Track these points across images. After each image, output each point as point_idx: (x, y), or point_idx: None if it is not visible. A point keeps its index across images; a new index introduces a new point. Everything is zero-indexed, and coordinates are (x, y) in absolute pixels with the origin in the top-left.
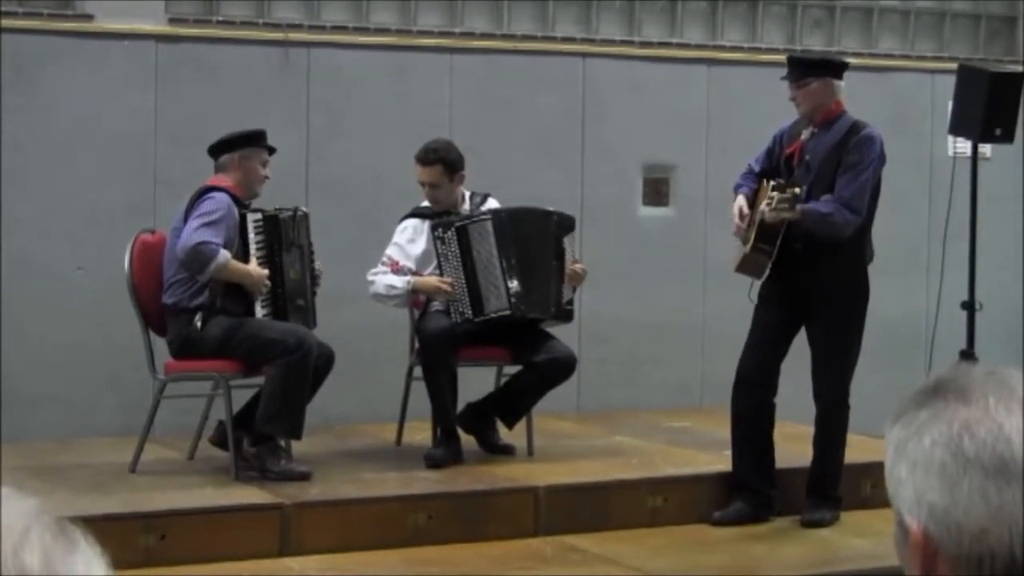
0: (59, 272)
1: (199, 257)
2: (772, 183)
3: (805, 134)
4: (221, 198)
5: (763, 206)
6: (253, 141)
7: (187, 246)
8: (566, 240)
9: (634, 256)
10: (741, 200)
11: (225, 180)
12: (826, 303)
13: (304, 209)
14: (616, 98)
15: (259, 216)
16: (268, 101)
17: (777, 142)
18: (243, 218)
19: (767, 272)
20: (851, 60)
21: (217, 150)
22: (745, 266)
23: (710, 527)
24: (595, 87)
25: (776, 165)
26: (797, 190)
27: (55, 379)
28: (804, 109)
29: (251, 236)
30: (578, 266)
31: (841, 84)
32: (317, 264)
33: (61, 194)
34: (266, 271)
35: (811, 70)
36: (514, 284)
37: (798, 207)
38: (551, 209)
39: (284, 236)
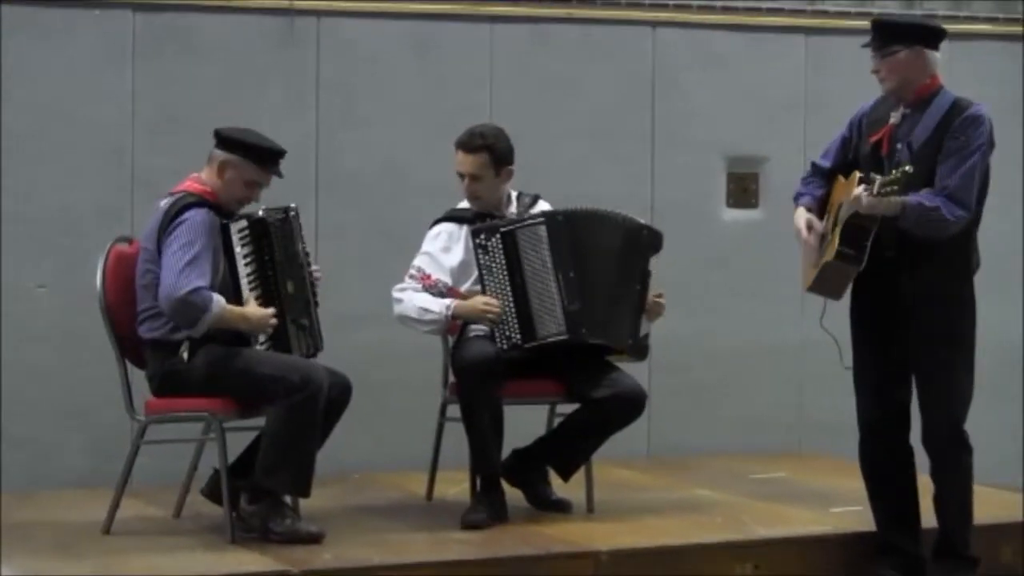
0: (17, 290)
1: (189, 311)
2: (859, 175)
3: (894, 117)
4: (197, 220)
5: (858, 190)
6: (257, 156)
7: (173, 297)
8: (652, 261)
9: (716, 268)
10: (805, 214)
11: (203, 182)
12: (925, 324)
13: (294, 207)
14: (693, 76)
15: (244, 224)
16: (269, 82)
17: (854, 128)
18: (225, 229)
19: (848, 288)
20: (985, 27)
21: (218, 139)
22: (824, 280)
23: None
24: (667, 63)
25: (854, 158)
26: (909, 168)
27: (12, 416)
28: (890, 85)
29: (237, 250)
30: (661, 298)
31: (936, 55)
32: (314, 268)
33: (18, 197)
34: (270, 310)
35: (898, 37)
36: (573, 302)
37: (907, 197)
38: (643, 222)
39: (276, 245)
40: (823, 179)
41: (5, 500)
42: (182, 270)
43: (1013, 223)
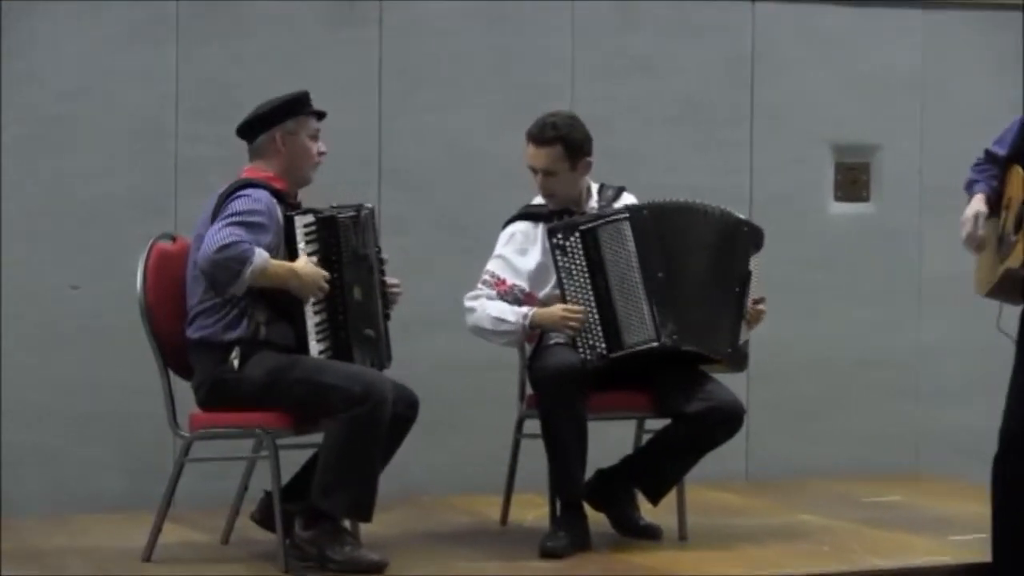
0: (46, 290)
1: (227, 262)
2: None
3: None
4: (258, 196)
5: None
6: (295, 108)
7: (209, 251)
8: (753, 260)
9: (823, 267)
10: (979, 203)
11: (263, 170)
12: None
13: (369, 206)
14: (797, 56)
15: (311, 219)
16: (326, 64)
17: None
18: (289, 222)
19: None
20: None
21: (249, 130)
22: (1004, 286)
23: None
24: (768, 41)
25: None
26: None
27: (41, 432)
28: None
29: (301, 246)
30: (762, 304)
31: None
32: (392, 281)
33: (48, 189)
34: (322, 271)
35: None
36: (663, 306)
37: None
38: (742, 217)
39: (345, 245)
40: (999, 168)
41: (33, 525)
42: (224, 227)
43: None
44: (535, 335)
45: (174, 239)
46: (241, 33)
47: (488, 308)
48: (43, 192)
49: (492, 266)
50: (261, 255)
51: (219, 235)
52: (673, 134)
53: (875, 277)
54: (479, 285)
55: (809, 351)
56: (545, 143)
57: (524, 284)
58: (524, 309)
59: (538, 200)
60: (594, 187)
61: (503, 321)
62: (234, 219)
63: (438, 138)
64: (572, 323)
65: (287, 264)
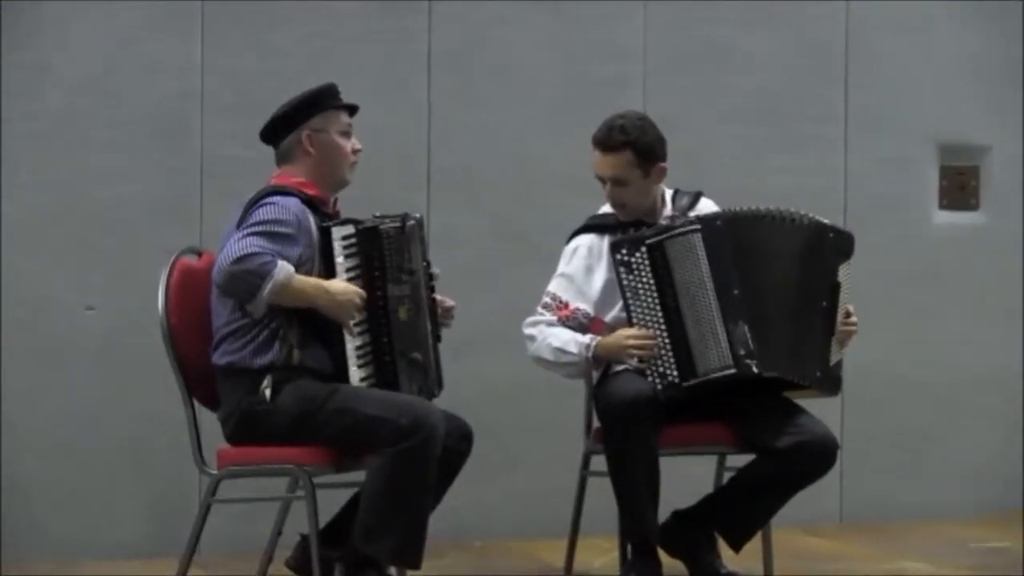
0: (59, 311)
1: (245, 276)
2: None
3: None
4: (286, 205)
5: None
6: (321, 103)
7: (226, 262)
8: (841, 270)
9: (924, 282)
10: None
11: (293, 175)
12: None
13: (416, 216)
14: (896, 45)
15: (350, 230)
16: (369, 56)
17: None
18: (326, 234)
19: None
20: None
21: (274, 132)
22: None
23: None
24: (863, 29)
25: None
26: None
27: (52, 468)
28: None
29: (339, 260)
30: (852, 319)
31: None
32: (448, 303)
33: (61, 194)
34: (358, 290)
35: None
36: (741, 328)
37: None
38: (827, 222)
39: (389, 259)
40: None
41: (42, 571)
42: (244, 237)
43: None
44: (602, 364)
45: (199, 254)
46: (274, 22)
47: (548, 337)
48: (57, 196)
49: (554, 287)
50: (284, 268)
51: (238, 245)
52: (756, 133)
53: (984, 293)
54: (539, 309)
55: (911, 376)
56: (613, 149)
57: (589, 308)
58: (587, 338)
59: (606, 209)
60: (668, 194)
61: (564, 352)
62: (257, 228)
63: (494, 138)
64: (638, 351)
65: (316, 281)
